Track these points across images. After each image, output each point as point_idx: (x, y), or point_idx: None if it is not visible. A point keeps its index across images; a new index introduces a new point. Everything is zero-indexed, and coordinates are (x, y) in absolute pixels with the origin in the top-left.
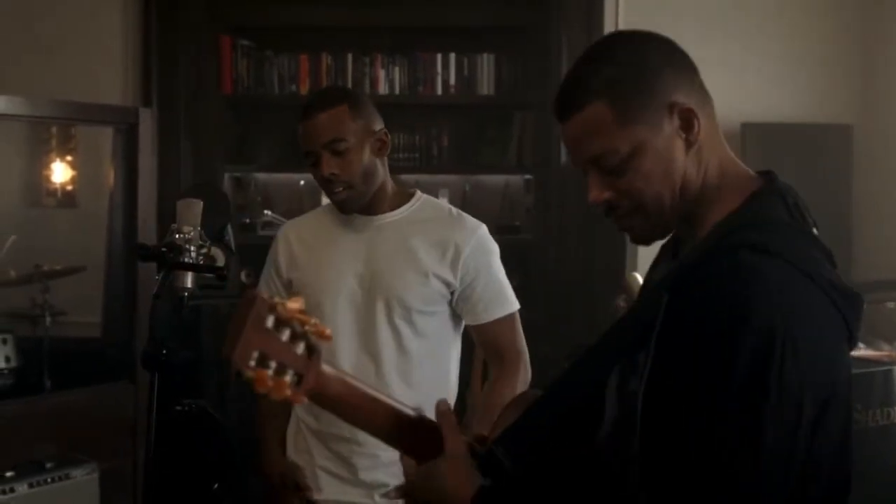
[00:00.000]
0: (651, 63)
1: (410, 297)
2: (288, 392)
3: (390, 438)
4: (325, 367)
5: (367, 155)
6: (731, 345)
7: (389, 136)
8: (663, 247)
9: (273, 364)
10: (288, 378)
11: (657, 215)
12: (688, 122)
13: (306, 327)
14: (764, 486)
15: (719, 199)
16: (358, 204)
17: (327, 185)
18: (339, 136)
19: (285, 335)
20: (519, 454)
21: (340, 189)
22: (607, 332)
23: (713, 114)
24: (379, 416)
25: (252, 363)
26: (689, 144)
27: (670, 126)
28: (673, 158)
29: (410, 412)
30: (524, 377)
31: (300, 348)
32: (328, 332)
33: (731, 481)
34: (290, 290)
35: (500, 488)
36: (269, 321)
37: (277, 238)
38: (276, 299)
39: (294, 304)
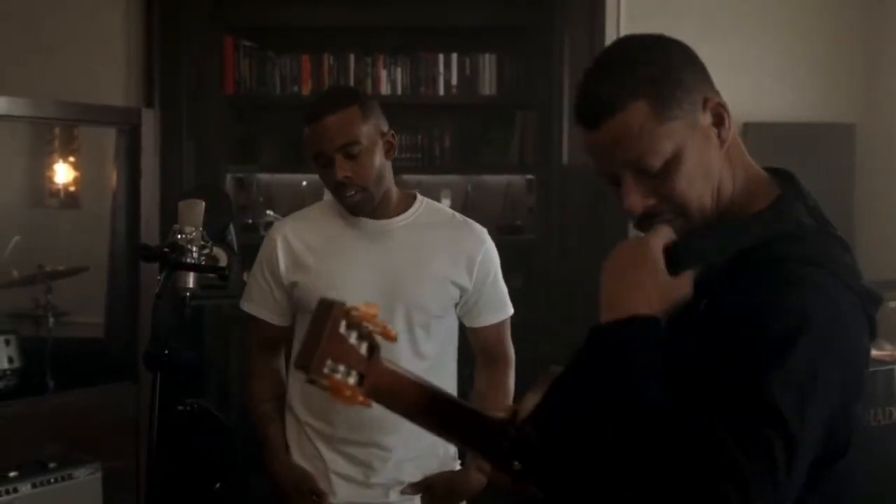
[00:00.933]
0: (677, 61)
1: (430, 303)
2: (360, 398)
3: (436, 427)
4: (386, 363)
5: (378, 157)
6: (791, 346)
7: (396, 137)
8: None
9: (341, 368)
10: (352, 380)
11: (700, 219)
12: (720, 117)
13: (372, 328)
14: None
15: (749, 203)
16: (370, 206)
17: (340, 188)
18: (353, 140)
19: (353, 337)
20: (551, 431)
21: (353, 192)
22: None
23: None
24: (424, 404)
25: (326, 370)
26: (721, 142)
27: (705, 121)
28: (710, 157)
29: (457, 400)
30: (513, 379)
31: (363, 348)
32: (394, 333)
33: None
34: (293, 293)
35: (535, 468)
36: (342, 326)
37: (273, 238)
38: (350, 305)
39: (370, 310)
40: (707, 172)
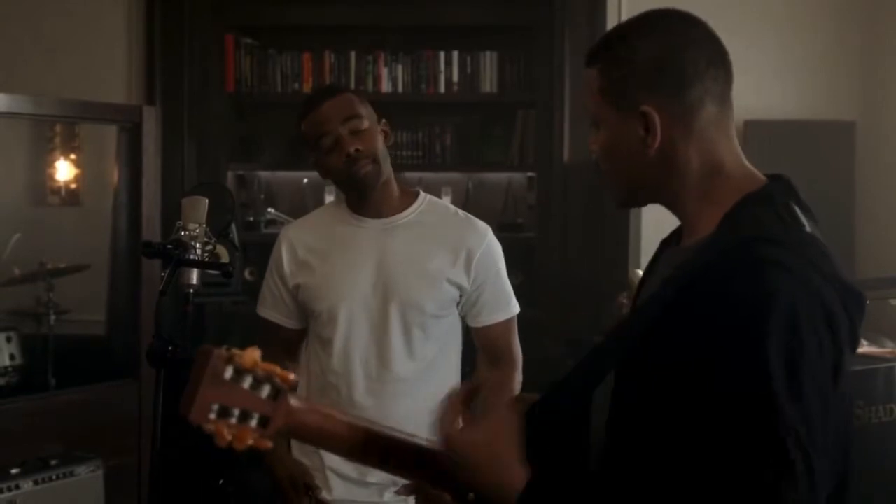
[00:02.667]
0: (649, 60)
1: (425, 302)
2: (250, 440)
3: (377, 462)
4: (295, 402)
5: (379, 138)
6: (762, 328)
7: (388, 126)
8: (663, 241)
9: (236, 412)
10: (253, 423)
11: (614, 186)
12: (648, 125)
13: (268, 372)
14: (810, 461)
15: (704, 199)
16: (380, 180)
17: (352, 163)
18: (356, 113)
19: (246, 383)
20: None
21: (366, 163)
22: (598, 343)
23: (717, 118)
24: (359, 441)
25: (212, 416)
26: (647, 146)
27: (633, 124)
28: (630, 150)
29: (396, 434)
30: (519, 381)
31: (265, 392)
32: (292, 377)
33: (782, 463)
34: (298, 294)
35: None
36: (228, 373)
37: (280, 243)
38: (234, 351)
39: (252, 354)
40: (623, 159)
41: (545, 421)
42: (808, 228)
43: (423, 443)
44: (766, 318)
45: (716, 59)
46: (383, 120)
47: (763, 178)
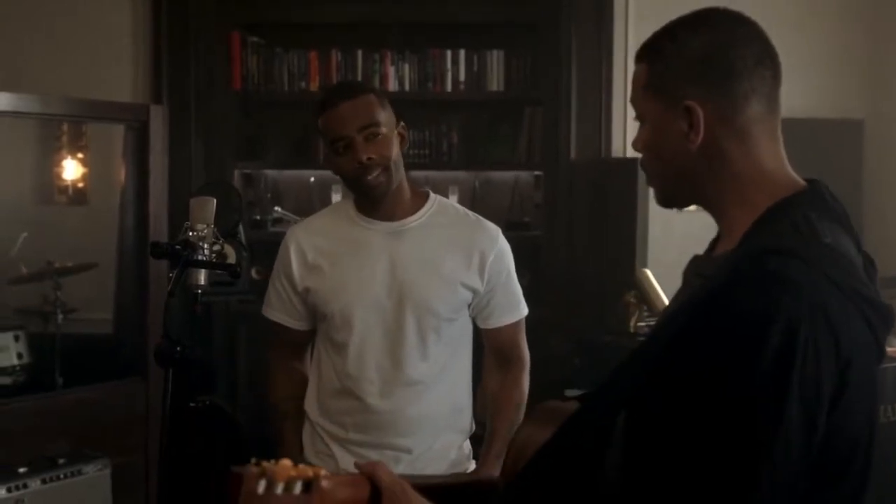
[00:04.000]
0: (698, 55)
1: (440, 305)
2: None
3: None
4: (326, 483)
5: (396, 145)
6: (758, 344)
7: (406, 129)
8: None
9: None
10: None
11: (658, 185)
12: (692, 120)
13: (296, 474)
14: (778, 478)
15: (743, 203)
16: (389, 189)
17: (363, 171)
18: (374, 121)
19: (279, 488)
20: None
21: (377, 173)
22: (616, 368)
23: (763, 117)
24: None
25: None
26: (689, 143)
27: (677, 119)
28: (673, 145)
29: (417, 482)
30: (528, 381)
31: (297, 488)
32: (323, 471)
33: (749, 477)
34: (308, 298)
35: None
36: (261, 487)
37: (287, 246)
38: (264, 465)
39: (285, 468)
40: (666, 155)
41: (559, 460)
42: (826, 240)
43: (443, 480)
44: (764, 335)
45: (765, 58)
46: (401, 123)
47: (802, 183)
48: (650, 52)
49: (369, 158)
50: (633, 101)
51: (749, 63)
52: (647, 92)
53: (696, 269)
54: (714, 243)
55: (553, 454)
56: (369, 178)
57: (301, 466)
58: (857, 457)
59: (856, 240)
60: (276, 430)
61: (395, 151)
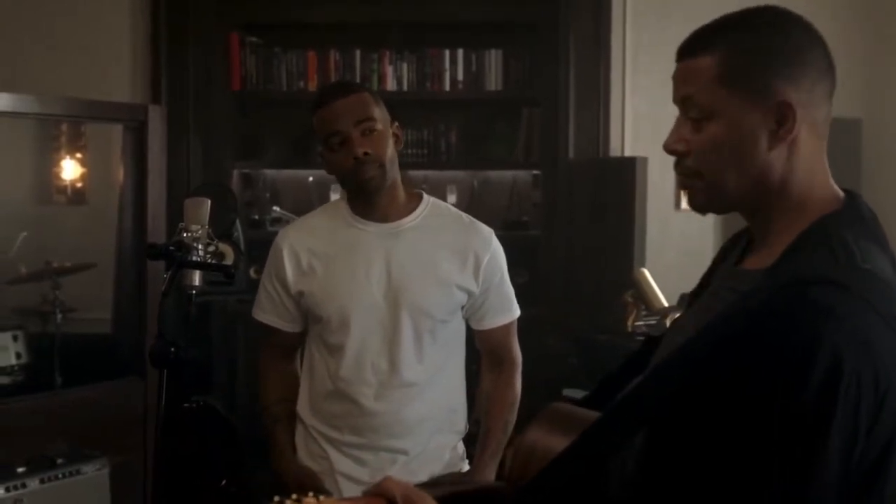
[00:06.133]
0: (782, 45)
1: (436, 308)
2: None
3: None
4: None
5: (391, 142)
6: (802, 376)
7: (401, 129)
8: (723, 248)
9: None
10: None
11: (716, 188)
12: (784, 117)
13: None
14: None
15: (792, 216)
16: (384, 185)
17: (358, 166)
18: (370, 116)
19: None
20: None
21: (372, 169)
22: (641, 383)
23: (824, 123)
24: None
25: None
26: (777, 139)
27: (764, 114)
28: (753, 142)
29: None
30: (520, 380)
31: None
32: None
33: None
34: (301, 301)
35: None
36: None
37: (280, 248)
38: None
39: (308, 502)
40: (742, 152)
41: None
42: (865, 266)
43: (452, 489)
44: (808, 368)
45: (832, 62)
46: (395, 123)
47: (841, 195)
48: (723, 42)
49: (365, 153)
50: (692, 94)
51: (825, 64)
52: (722, 85)
53: (727, 282)
54: (743, 252)
55: (571, 469)
56: (364, 172)
57: (322, 499)
58: (892, 456)
59: (891, 257)
60: (268, 434)
61: (391, 150)
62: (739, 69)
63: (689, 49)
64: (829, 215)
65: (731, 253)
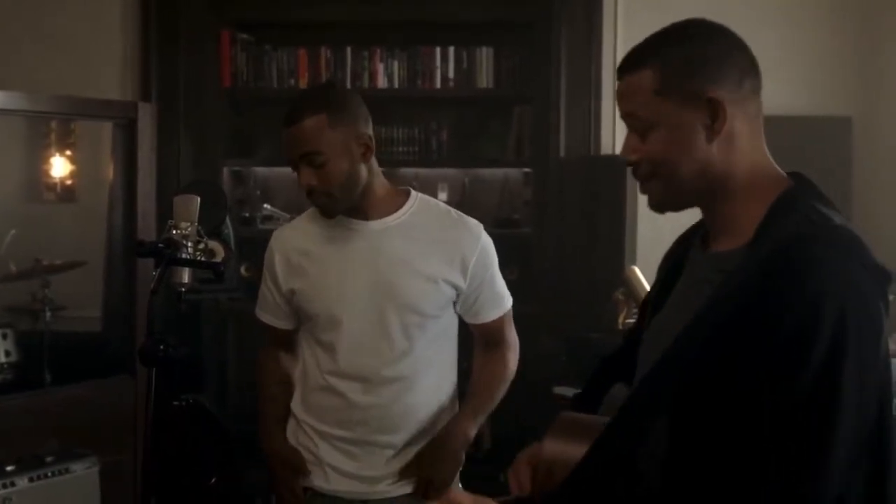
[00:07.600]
0: (710, 57)
1: (424, 304)
2: None
3: None
4: None
5: (346, 164)
6: (813, 330)
7: (374, 140)
8: (678, 241)
9: None
10: None
11: (669, 187)
12: (715, 113)
13: None
14: (838, 456)
15: (747, 197)
16: (340, 209)
17: (308, 193)
18: (314, 150)
19: None
20: None
21: (318, 198)
22: (649, 374)
23: (756, 115)
24: None
25: None
26: (713, 132)
27: (698, 113)
28: (693, 139)
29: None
30: (514, 360)
31: None
32: None
33: (815, 457)
34: (292, 299)
35: None
36: None
37: (272, 249)
38: None
39: None
40: (685, 149)
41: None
42: (836, 220)
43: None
44: (817, 320)
45: (755, 64)
46: (367, 134)
47: (785, 175)
48: (655, 57)
49: (308, 185)
50: (635, 110)
51: (748, 65)
52: (659, 95)
53: (703, 270)
54: (702, 238)
55: (596, 465)
56: (312, 200)
57: None
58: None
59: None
60: (260, 412)
61: (345, 171)
62: (672, 79)
63: (628, 66)
64: (788, 190)
65: (680, 256)
